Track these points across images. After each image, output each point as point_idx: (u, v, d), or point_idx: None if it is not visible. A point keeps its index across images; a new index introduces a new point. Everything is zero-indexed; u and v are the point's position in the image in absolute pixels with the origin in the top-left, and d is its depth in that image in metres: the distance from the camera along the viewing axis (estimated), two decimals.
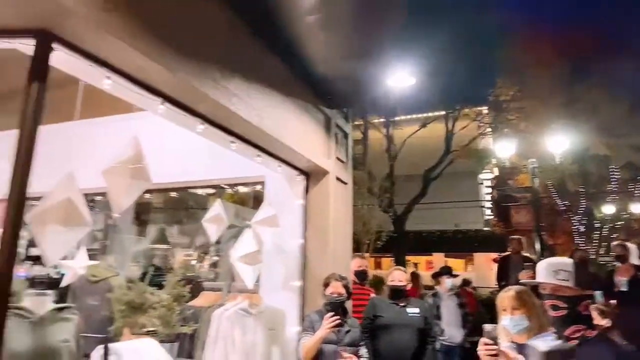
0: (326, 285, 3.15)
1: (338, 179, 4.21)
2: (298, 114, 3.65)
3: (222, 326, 2.92)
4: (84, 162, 2.35)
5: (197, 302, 3.38)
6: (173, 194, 6.70)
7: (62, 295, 3.66)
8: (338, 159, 4.29)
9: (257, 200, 4.52)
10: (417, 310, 3.60)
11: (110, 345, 2.34)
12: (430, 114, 12.27)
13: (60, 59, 1.95)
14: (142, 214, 6.66)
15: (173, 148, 3.83)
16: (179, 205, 7.57)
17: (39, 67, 1.82)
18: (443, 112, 12.01)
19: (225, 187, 5.41)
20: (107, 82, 2.18)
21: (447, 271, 5.34)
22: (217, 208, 3.70)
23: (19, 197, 1.73)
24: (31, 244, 5.07)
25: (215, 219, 3.65)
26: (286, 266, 3.75)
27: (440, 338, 4.76)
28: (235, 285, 3.40)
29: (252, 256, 3.18)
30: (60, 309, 2.16)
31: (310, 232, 3.89)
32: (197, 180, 4.66)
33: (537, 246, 8.48)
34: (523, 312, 2.03)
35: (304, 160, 3.74)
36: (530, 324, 2.00)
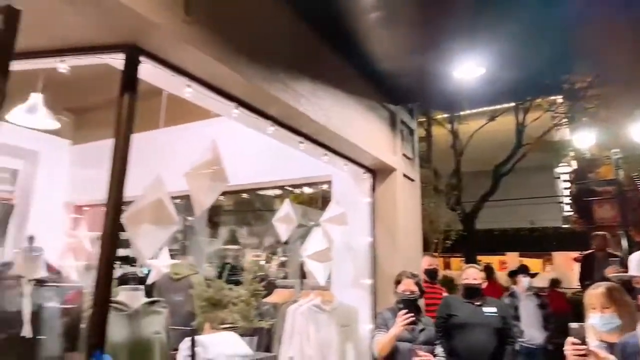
0: (397, 282, 3.13)
1: (405, 175, 4.16)
2: (363, 111, 3.66)
3: (296, 322, 3.00)
4: (166, 168, 2.52)
5: (271, 298, 3.50)
6: (243, 196, 6.97)
7: (148, 292, 3.95)
8: (404, 155, 4.25)
9: (322, 200, 4.59)
10: (494, 309, 3.46)
11: (197, 338, 2.50)
12: (498, 107, 11.72)
13: (146, 71, 2.12)
14: (214, 216, 7.01)
15: (243, 151, 4.00)
16: (248, 207, 7.86)
17: (129, 79, 1.99)
18: (512, 104, 11.42)
19: (290, 188, 5.55)
20: (188, 91, 2.33)
21: (523, 270, 5.08)
22: (286, 208, 3.80)
23: (116, 201, 1.89)
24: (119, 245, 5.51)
25: (285, 219, 3.75)
26: (356, 264, 3.77)
27: (520, 340, 4.53)
28: (307, 283, 3.47)
29: (322, 254, 3.23)
30: (151, 303, 2.33)
31: (378, 230, 3.88)
32: (265, 181, 4.82)
33: (624, 243, 7.79)
34: (613, 310, 1.91)
35: (370, 157, 3.74)
36: (622, 322, 1.87)
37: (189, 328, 2.79)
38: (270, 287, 3.83)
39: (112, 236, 1.82)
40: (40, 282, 2.26)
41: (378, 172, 4.03)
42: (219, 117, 3.02)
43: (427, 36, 3.22)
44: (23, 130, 3.74)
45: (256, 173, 4.40)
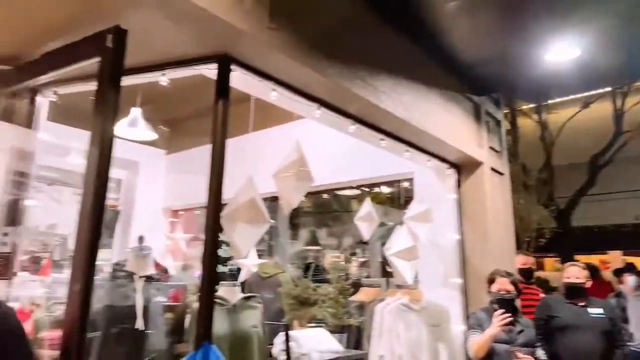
0: (491, 281, 2.98)
1: (493, 169, 3.96)
2: (445, 104, 3.55)
3: (385, 320, 2.97)
4: (255, 170, 2.64)
5: (358, 297, 3.51)
6: (321, 198, 7.09)
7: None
8: (491, 148, 4.04)
9: (403, 198, 4.51)
10: (600, 310, 3.16)
11: (290, 333, 2.58)
12: (593, 92, 10.72)
13: (236, 78, 2.23)
14: (294, 217, 7.20)
15: (322, 152, 4.06)
16: (326, 209, 7.96)
17: (222, 87, 2.11)
18: (609, 89, 10.38)
19: (366, 189, 5.53)
20: (274, 95, 2.42)
21: (630, 268, 4.60)
22: (367, 206, 3.79)
23: (215, 203, 2.00)
24: None
25: (366, 217, 3.74)
26: (444, 262, 3.66)
27: (629, 343, 4.09)
28: (393, 281, 3.43)
29: (408, 252, 3.17)
30: (248, 298, 2.45)
31: (466, 227, 3.73)
32: (344, 181, 4.85)
33: None
34: None
35: (454, 151, 3.61)
36: None
37: (281, 323, 2.88)
38: (355, 286, 3.85)
39: (214, 236, 1.93)
40: (149, 279, 2.46)
41: (463, 167, 3.87)
42: (302, 119, 3.10)
43: (513, 18, 3.03)
44: (125, 142, 4.13)
45: (335, 173, 4.45)
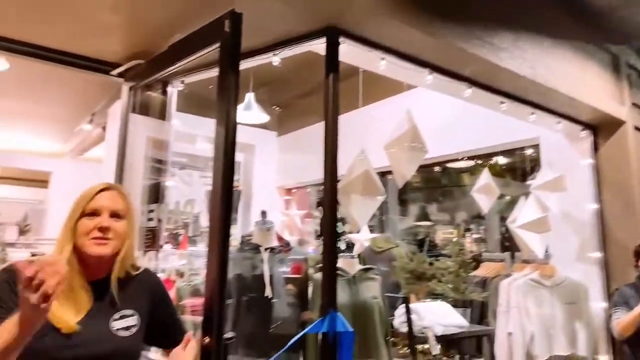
0: (638, 254, 2.62)
1: (637, 128, 3.42)
2: (576, 57, 3.13)
3: (512, 296, 2.78)
4: (365, 145, 2.61)
5: (479, 271, 3.34)
6: (430, 172, 6.85)
7: None
8: (635, 105, 3.49)
9: (526, 167, 4.13)
10: None
11: (411, 305, 2.55)
12: None
13: (344, 51, 2.21)
14: (403, 193, 7.08)
15: (432, 123, 3.88)
16: (436, 184, 7.69)
17: (332, 61, 2.10)
18: None
19: (479, 161, 5.19)
20: (382, 64, 2.35)
21: None
22: (486, 177, 3.56)
23: (331, 180, 2.01)
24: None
25: (485, 189, 3.51)
26: (579, 235, 3.29)
27: None
28: (520, 256, 3.19)
29: (538, 223, 2.91)
30: (366, 270, 2.47)
31: (607, 196, 3.29)
32: (457, 152, 4.60)
33: None
34: None
35: (588, 110, 3.18)
36: None
37: (399, 296, 2.87)
38: (475, 261, 3.67)
39: (332, 210, 1.95)
40: (273, 251, 2.61)
41: (601, 128, 3.40)
42: (409, 91, 2.98)
43: None
44: (242, 127, 4.40)
45: (445, 145, 4.24)
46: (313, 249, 4.65)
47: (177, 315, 1.43)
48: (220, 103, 1.86)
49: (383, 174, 3.52)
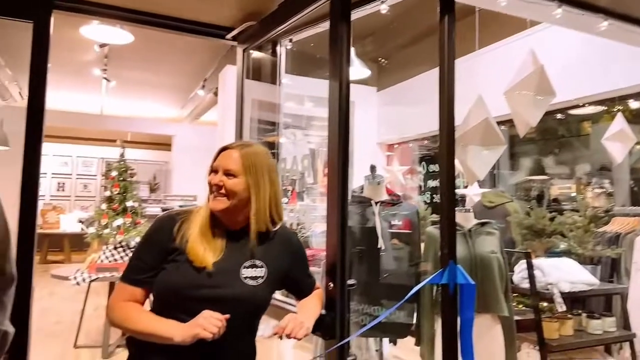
0: None
1: None
2: None
3: None
4: (483, 92, 2.45)
5: (610, 227, 3.03)
6: (548, 120, 6.27)
7: None
8: None
9: None
10: None
11: (534, 261, 2.43)
12: None
13: None
14: (514, 146, 6.60)
15: (556, 65, 3.50)
16: (553, 134, 7.04)
17: (447, 1, 1.96)
18: None
19: (603, 107, 4.58)
20: (502, 2, 2.14)
21: None
22: (620, 123, 3.16)
23: (448, 130, 1.92)
24: (428, 177, 5.93)
25: (618, 136, 3.13)
26: None
27: None
28: None
29: None
30: (483, 224, 2.38)
31: None
32: (582, 97, 4.12)
33: None
34: None
35: None
36: None
37: (519, 251, 2.74)
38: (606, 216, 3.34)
39: (450, 162, 1.88)
40: (384, 204, 2.63)
41: None
42: (525, 31, 2.69)
43: None
44: None
45: (569, 89, 3.80)
46: (416, 205, 4.60)
47: (308, 268, 1.53)
48: (333, 57, 1.86)
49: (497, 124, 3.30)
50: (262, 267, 1.28)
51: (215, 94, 7.01)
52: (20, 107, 8.24)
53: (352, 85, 1.90)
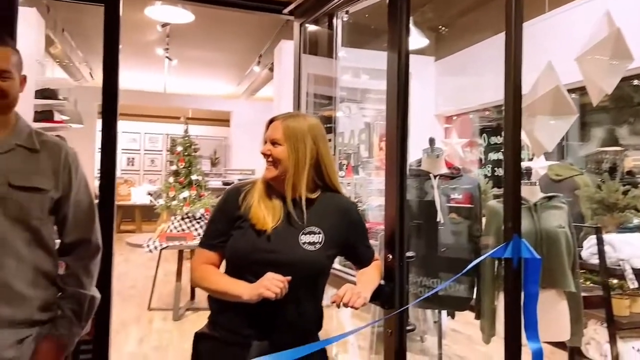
0: None
1: None
2: None
3: None
4: (551, 58, 2.30)
5: None
6: (623, 87, 5.78)
7: None
8: None
9: None
10: None
11: (604, 237, 2.31)
12: None
13: None
14: (584, 115, 6.17)
15: (632, 27, 3.19)
16: (628, 102, 6.50)
17: None
18: None
19: None
20: None
21: None
22: None
23: (515, 99, 1.83)
24: (489, 149, 5.71)
25: None
26: None
27: None
28: None
29: None
30: (550, 198, 2.28)
31: None
32: None
33: None
34: None
35: None
36: None
37: (588, 226, 2.61)
38: None
39: (516, 132, 1.81)
40: (442, 177, 2.60)
41: None
42: None
43: None
44: None
45: None
46: (477, 178, 4.46)
47: (367, 239, 1.55)
48: (392, 27, 1.83)
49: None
50: (319, 233, 1.35)
51: (271, 69, 7.09)
52: (90, 87, 8.85)
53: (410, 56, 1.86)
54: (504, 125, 1.90)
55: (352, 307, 1.27)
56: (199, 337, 1.41)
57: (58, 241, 1.41)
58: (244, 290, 1.23)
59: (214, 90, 10.13)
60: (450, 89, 5.86)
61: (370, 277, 1.49)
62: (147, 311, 4.63)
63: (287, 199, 1.36)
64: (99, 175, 2.24)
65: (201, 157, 5.64)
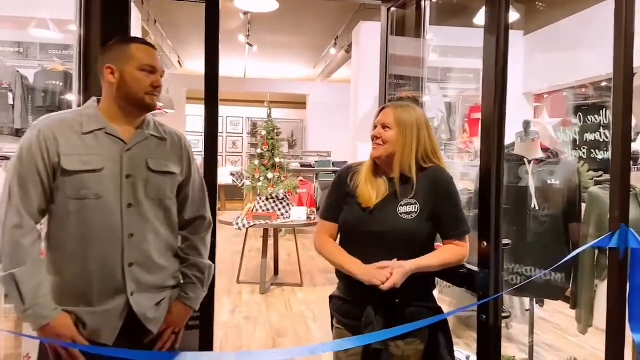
0: None
1: None
2: None
3: None
4: None
5: None
6: None
7: None
8: None
9: None
10: None
11: None
12: None
13: None
14: None
15: None
16: None
17: None
18: None
19: None
20: None
21: None
22: None
23: (625, 74, 1.71)
24: (585, 130, 5.28)
25: None
26: None
27: None
28: None
29: None
30: None
31: None
32: None
33: None
34: None
35: None
36: None
37: None
38: None
39: (627, 110, 1.70)
40: (538, 162, 2.49)
41: None
42: None
43: None
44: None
45: None
46: (575, 163, 4.18)
47: (457, 213, 1.58)
48: (490, 2, 1.77)
49: None
50: (415, 203, 1.51)
51: (347, 51, 7.08)
52: (179, 75, 9.41)
53: None
54: (614, 103, 1.79)
55: (386, 286, 1.39)
56: (330, 298, 1.67)
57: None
58: (356, 270, 1.47)
59: (291, 73, 10.34)
60: (542, 65, 5.48)
61: (430, 255, 1.55)
62: (237, 284, 4.99)
63: (394, 176, 1.53)
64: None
65: (281, 140, 5.84)
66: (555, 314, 3.79)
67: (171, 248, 1.48)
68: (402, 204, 1.50)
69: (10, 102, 4.16)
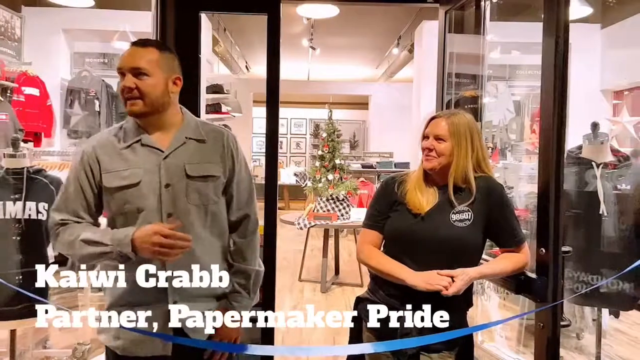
0: None
1: None
2: None
3: None
4: None
5: None
6: None
7: None
8: None
9: None
10: None
11: None
12: None
13: None
14: None
15: None
16: None
17: None
18: None
19: None
20: None
21: None
22: None
23: None
24: None
25: None
26: None
27: None
28: None
29: None
30: None
31: None
32: None
33: None
34: None
35: None
36: None
37: None
38: None
39: None
40: (608, 166, 2.36)
41: None
42: None
43: None
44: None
45: None
46: None
47: (512, 222, 1.56)
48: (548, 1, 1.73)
49: None
50: (468, 211, 1.49)
51: (410, 51, 7.01)
52: (246, 79, 9.82)
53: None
54: None
55: (448, 292, 1.37)
56: (359, 300, 1.62)
57: None
58: (408, 275, 1.43)
59: (353, 74, 10.39)
60: (621, 60, 5.09)
61: (492, 262, 1.56)
62: (298, 282, 5.14)
63: (448, 185, 1.51)
64: (252, 157, 2.56)
65: (343, 142, 5.92)
66: (634, 325, 3.53)
67: (222, 252, 1.45)
68: (455, 211, 1.49)
69: (97, 108, 4.61)
